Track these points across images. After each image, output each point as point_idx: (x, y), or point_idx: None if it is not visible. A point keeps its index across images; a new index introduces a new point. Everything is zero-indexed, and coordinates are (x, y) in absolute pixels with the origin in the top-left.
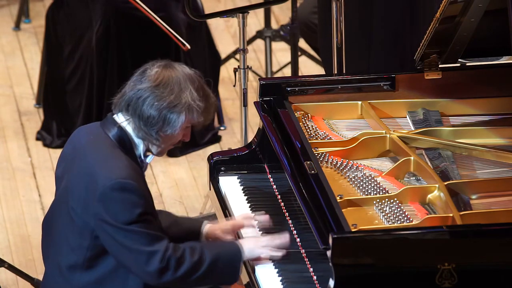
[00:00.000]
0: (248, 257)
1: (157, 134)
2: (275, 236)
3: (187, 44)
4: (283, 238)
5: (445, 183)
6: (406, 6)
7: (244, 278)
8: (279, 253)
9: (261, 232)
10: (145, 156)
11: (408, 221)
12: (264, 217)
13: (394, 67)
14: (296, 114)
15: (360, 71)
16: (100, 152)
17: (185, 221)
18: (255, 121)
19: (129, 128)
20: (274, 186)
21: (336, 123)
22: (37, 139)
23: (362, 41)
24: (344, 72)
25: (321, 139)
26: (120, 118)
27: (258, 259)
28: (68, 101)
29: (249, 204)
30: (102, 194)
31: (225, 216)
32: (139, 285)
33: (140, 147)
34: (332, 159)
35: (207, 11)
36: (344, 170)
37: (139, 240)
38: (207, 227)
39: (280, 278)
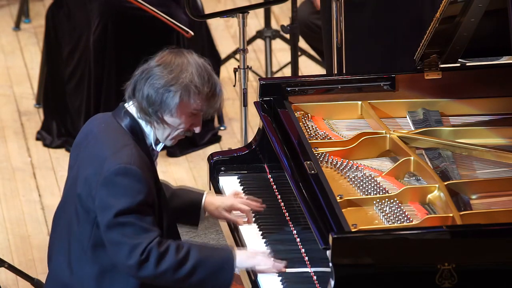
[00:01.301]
0: (239, 267)
1: (156, 114)
2: (272, 259)
3: (190, 31)
4: (278, 264)
5: (445, 183)
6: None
7: (244, 279)
8: (271, 270)
9: (261, 232)
10: (156, 144)
11: (408, 221)
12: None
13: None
14: (296, 114)
15: (384, 69)
16: (110, 139)
17: (185, 193)
18: (255, 121)
19: (133, 111)
20: (274, 186)
21: (336, 123)
22: (37, 139)
23: (386, 40)
24: (344, 72)
25: (321, 139)
26: (132, 109)
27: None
28: (68, 101)
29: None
30: (105, 178)
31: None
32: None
33: (151, 136)
34: (332, 159)
35: (207, 11)
36: (344, 170)
37: (126, 232)
38: (206, 199)
39: (280, 278)
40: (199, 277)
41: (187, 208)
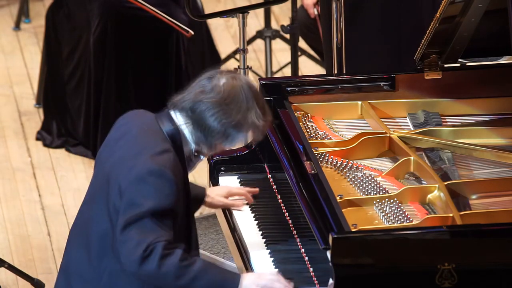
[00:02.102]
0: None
1: (214, 144)
2: (280, 280)
3: (190, 30)
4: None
5: (445, 183)
6: (429, 2)
7: None
8: None
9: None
10: (194, 156)
11: (408, 221)
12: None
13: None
14: (296, 114)
15: (390, 69)
16: (150, 142)
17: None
18: None
19: (185, 130)
20: (274, 186)
21: (336, 123)
22: (37, 139)
23: (391, 40)
24: (344, 72)
25: (321, 139)
26: (179, 119)
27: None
28: (68, 101)
29: (249, 204)
30: (138, 175)
31: (225, 216)
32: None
33: (192, 146)
34: (332, 159)
35: (207, 11)
36: (344, 170)
37: (141, 231)
38: (207, 192)
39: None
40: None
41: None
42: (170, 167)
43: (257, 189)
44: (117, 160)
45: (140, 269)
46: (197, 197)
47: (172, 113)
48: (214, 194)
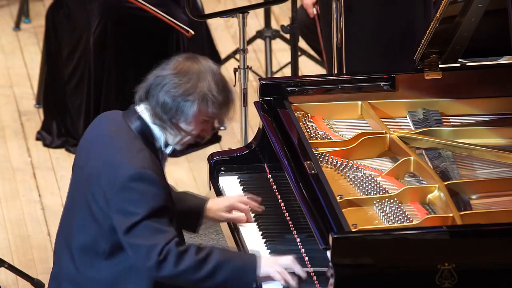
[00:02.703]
0: (263, 273)
1: (171, 121)
2: (296, 265)
3: (190, 30)
4: (302, 271)
5: (445, 183)
6: (420, 3)
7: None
8: (291, 281)
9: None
10: (165, 147)
11: (408, 221)
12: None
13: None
14: (296, 114)
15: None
16: (123, 143)
17: (188, 197)
18: (255, 121)
19: (146, 116)
20: (274, 186)
21: (336, 123)
22: (37, 139)
23: (381, 41)
24: (344, 72)
25: (321, 139)
26: (142, 111)
27: (269, 278)
28: (68, 101)
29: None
30: (121, 183)
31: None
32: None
33: (161, 139)
34: (332, 159)
35: (207, 11)
36: (344, 170)
37: (143, 234)
38: (207, 205)
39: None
40: (221, 278)
41: (188, 213)
42: (149, 166)
43: (259, 199)
44: (95, 165)
45: (159, 273)
46: (196, 210)
47: (137, 107)
48: (215, 208)
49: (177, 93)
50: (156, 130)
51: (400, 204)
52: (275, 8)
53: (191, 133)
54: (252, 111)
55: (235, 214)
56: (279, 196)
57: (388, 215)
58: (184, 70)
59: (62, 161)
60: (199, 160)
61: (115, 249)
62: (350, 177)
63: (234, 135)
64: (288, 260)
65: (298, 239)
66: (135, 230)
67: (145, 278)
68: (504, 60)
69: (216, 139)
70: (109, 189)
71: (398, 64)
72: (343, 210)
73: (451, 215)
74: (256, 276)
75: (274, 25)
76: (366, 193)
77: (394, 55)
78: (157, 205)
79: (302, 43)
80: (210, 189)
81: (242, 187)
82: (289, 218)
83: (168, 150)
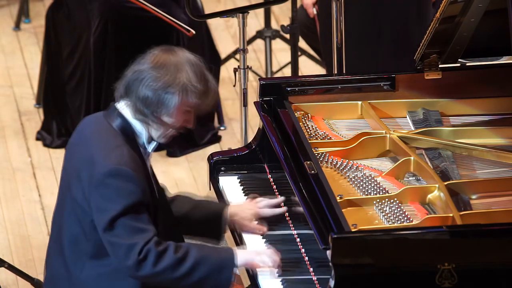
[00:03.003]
0: (242, 263)
1: (153, 115)
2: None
3: (191, 30)
4: (276, 259)
5: (445, 183)
6: (413, 4)
7: (244, 278)
8: (272, 263)
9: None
10: (148, 143)
11: (408, 221)
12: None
13: (404, 65)
14: (296, 114)
15: (368, 70)
16: (102, 141)
17: (206, 204)
18: (255, 121)
19: (127, 113)
20: (274, 186)
21: (336, 123)
22: (37, 139)
23: (370, 40)
24: (344, 72)
25: (321, 139)
26: (123, 107)
27: (252, 266)
28: (68, 101)
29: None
30: (97, 180)
31: None
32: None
33: (143, 135)
34: (332, 159)
35: (207, 11)
36: (344, 170)
37: (121, 233)
38: (230, 210)
39: (280, 278)
40: (199, 276)
41: (208, 219)
42: (125, 162)
43: (283, 208)
44: (75, 164)
45: (138, 273)
46: (214, 215)
47: (118, 105)
48: (242, 215)
49: (157, 86)
50: (137, 125)
51: (400, 204)
52: (275, 8)
53: (173, 125)
54: (252, 111)
55: (257, 224)
56: (279, 196)
57: (388, 215)
58: (161, 62)
59: (62, 161)
60: (199, 160)
61: (101, 249)
62: (350, 177)
63: (234, 135)
64: (270, 250)
65: (298, 239)
66: (113, 228)
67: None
68: (504, 60)
69: (216, 139)
70: (87, 186)
71: (384, 67)
72: (343, 210)
73: (451, 215)
74: (233, 269)
75: (274, 25)
76: (366, 193)
77: (385, 53)
78: (133, 202)
79: (302, 43)
80: (210, 189)
81: (242, 187)
82: (289, 218)
83: (150, 148)
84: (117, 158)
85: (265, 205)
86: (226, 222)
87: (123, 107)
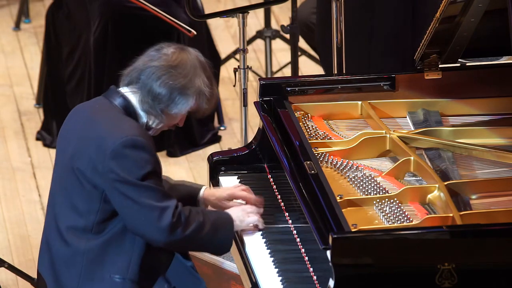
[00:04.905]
0: (238, 226)
1: (162, 111)
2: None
3: (192, 30)
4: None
5: (445, 183)
6: (407, 3)
7: (244, 278)
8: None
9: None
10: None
11: (408, 221)
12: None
13: (395, 66)
14: (296, 114)
15: (360, 71)
16: (108, 116)
17: (182, 187)
18: (255, 121)
19: (133, 99)
20: (274, 186)
21: (336, 123)
22: (37, 139)
23: (362, 40)
24: (344, 72)
25: (321, 139)
26: (124, 89)
27: (246, 229)
28: (68, 101)
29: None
30: (113, 151)
31: None
32: (143, 248)
33: (143, 118)
34: (332, 159)
35: (207, 11)
36: (344, 170)
37: (151, 195)
38: (205, 193)
39: (280, 278)
40: (213, 239)
41: (183, 200)
42: (139, 133)
43: (262, 200)
44: (81, 143)
45: (170, 237)
46: (190, 196)
47: (120, 89)
48: (217, 195)
49: (174, 86)
50: (139, 109)
51: (400, 204)
52: (275, 8)
53: (173, 123)
54: (252, 111)
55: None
56: (279, 196)
57: (388, 215)
58: (179, 62)
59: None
60: (199, 160)
61: (107, 219)
62: (350, 177)
63: (234, 135)
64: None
65: (298, 239)
66: (141, 193)
67: (139, 243)
68: (504, 60)
69: (216, 139)
70: (101, 160)
71: (374, 67)
72: (343, 210)
73: (451, 215)
74: (234, 230)
75: (274, 25)
76: (366, 193)
77: (369, 56)
78: (153, 169)
79: (302, 43)
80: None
81: (245, 189)
82: (289, 218)
83: (151, 133)
84: (129, 129)
85: (243, 188)
86: (202, 202)
87: (128, 92)
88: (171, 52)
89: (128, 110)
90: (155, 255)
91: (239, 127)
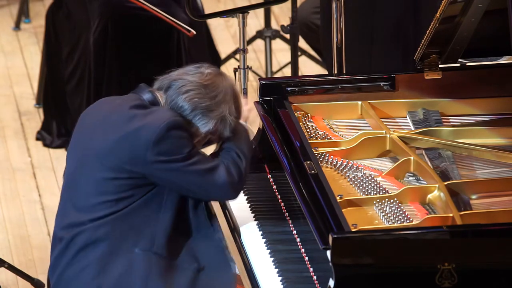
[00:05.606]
0: (246, 126)
1: None
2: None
3: (192, 30)
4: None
5: (445, 183)
6: (408, 2)
7: (244, 278)
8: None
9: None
10: None
11: (408, 221)
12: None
13: (396, 64)
14: (296, 114)
15: (361, 70)
16: (137, 107)
17: None
18: (255, 121)
19: (160, 98)
20: (274, 186)
21: (336, 123)
22: (37, 139)
23: (363, 38)
24: (344, 72)
25: (321, 139)
26: (156, 92)
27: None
28: (68, 101)
29: (249, 204)
30: (158, 135)
31: (225, 216)
32: (169, 222)
33: None
34: (332, 159)
35: (207, 11)
36: (344, 170)
37: (203, 163)
38: None
39: (280, 278)
40: (248, 154)
41: None
42: (174, 114)
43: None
44: (106, 135)
45: (233, 189)
46: None
47: (152, 89)
48: None
49: (199, 105)
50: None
51: (400, 204)
52: (275, 8)
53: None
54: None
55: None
56: (279, 196)
57: (388, 215)
58: (211, 83)
59: (62, 161)
60: None
61: (129, 197)
62: (350, 177)
63: None
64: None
65: (298, 239)
66: (196, 165)
67: (164, 215)
68: (504, 60)
69: None
70: (142, 150)
71: (375, 67)
72: (343, 210)
73: (451, 215)
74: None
75: (274, 25)
76: (366, 193)
77: (371, 56)
78: (194, 144)
79: (302, 43)
80: None
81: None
82: (289, 218)
83: None
84: (165, 113)
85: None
86: None
87: (158, 93)
88: (207, 72)
89: (154, 105)
90: (180, 229)
91: None
